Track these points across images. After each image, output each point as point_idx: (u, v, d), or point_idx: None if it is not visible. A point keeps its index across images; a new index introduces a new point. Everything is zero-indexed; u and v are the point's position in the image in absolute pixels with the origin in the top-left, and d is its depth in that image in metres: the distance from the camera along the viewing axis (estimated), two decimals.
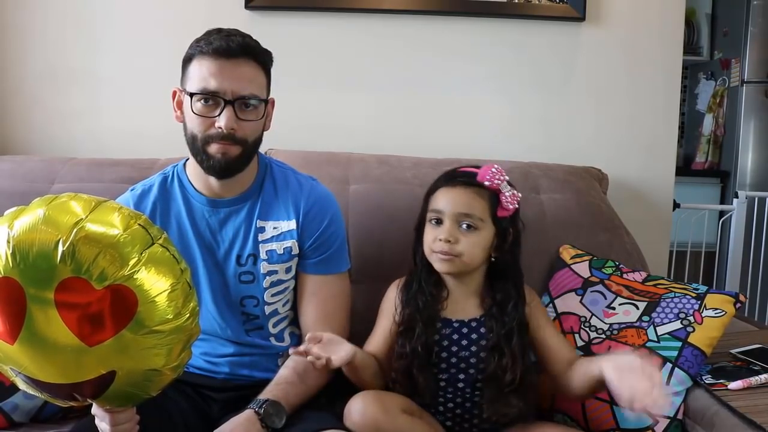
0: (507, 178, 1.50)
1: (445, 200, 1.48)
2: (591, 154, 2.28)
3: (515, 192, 1.49)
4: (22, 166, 1.99)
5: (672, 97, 2.34)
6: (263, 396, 1.36)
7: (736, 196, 3.20)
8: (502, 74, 2.32)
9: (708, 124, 4.21)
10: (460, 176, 1.51)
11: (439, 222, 1.48)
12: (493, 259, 1.51)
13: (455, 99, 2.32)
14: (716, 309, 1.60)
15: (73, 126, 2.29)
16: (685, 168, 4.22)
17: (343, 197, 1.81)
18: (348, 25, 2.29)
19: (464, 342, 1.49)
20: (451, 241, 1.45)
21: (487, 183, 1.47)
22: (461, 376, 1.48)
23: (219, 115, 1.38)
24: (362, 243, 1.83)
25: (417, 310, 1.49)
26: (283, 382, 1.41)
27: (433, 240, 1.47)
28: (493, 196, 1.48)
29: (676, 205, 2.49)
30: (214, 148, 1.40)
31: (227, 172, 1.44)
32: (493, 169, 1.48)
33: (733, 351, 1.66)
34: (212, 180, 1.47)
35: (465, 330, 1.49)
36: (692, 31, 4.30)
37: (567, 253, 1.86)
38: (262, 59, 1.45)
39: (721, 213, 3.40)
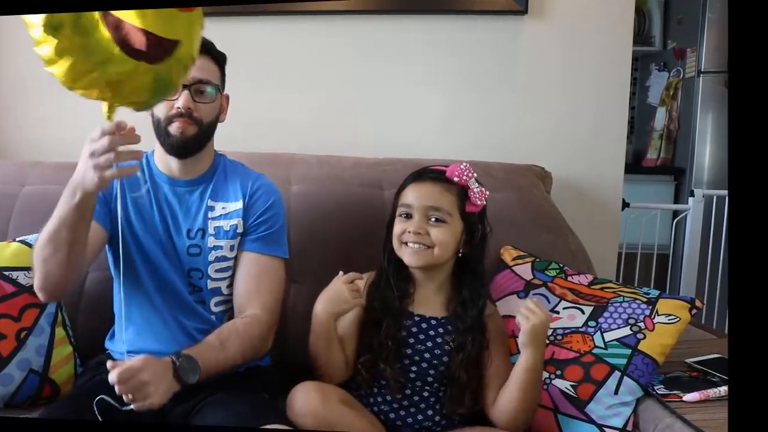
0: (475, 175, 1.56)
1: (414, 195, 1.55)
2: (535, 151, 2.23)
3: (483, 189, 1.56)
4: None
5: (621, 91, 2.29)
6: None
7: (692, 195, 3.14)
8: (442, 72, 2.28)
9: (660, 118, 4.13)
10: (429, 172, 1.59)
11: (408, 216, 1.55)
12: (460, 254, 1.56)
13: (394, 98, 2.30)
14: (669, 315, 1.58)
15: (42, 132, 2.34)
16: (635, 165, 4.15)
17: (285, 199, 1.83)
18: (285, 28, 2.28)
19: (422, 337, 1.54)
20: (421, 233, 1.51)
21: (455, 179, 1.54)
22: (431, 372, 1.54)
23: (178, 98, 1.58)
24: (304, 243, 1.87)
25: (385, 304, 1.56)
26: (203, 344, 1.51)
27: (402, 232, 1.54)
28: (462, 192, 1.55)
29: (625, 205, 2.44)
30: (174, 127, 1.59)
31: (184, 150, 1.62)
32: (462, 166, 1.55)
33: (689, 360, 1.65)
34: (173, 162, 1.65)
35: (424, 326, 1.56)
36: (643, 20, 4.21)
37: (508, 254, 1.85)
38: (216, 55, 1.65)
39: (675, 213, 3.30)
